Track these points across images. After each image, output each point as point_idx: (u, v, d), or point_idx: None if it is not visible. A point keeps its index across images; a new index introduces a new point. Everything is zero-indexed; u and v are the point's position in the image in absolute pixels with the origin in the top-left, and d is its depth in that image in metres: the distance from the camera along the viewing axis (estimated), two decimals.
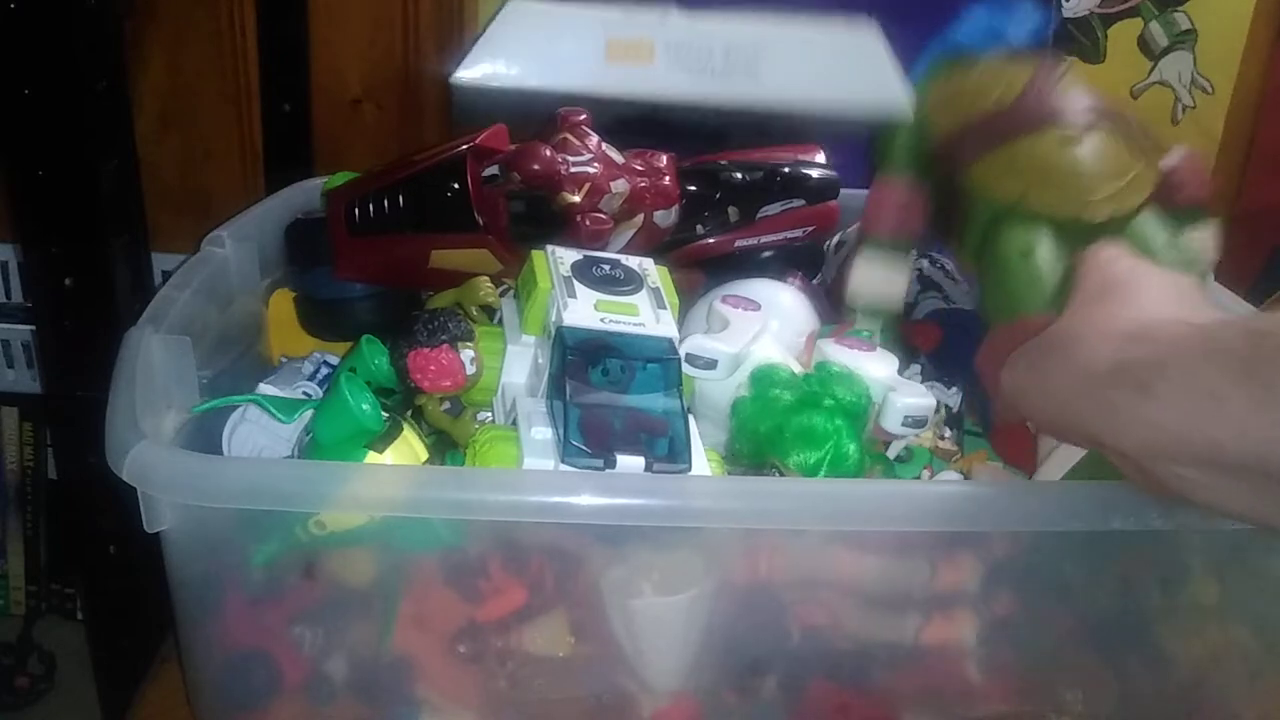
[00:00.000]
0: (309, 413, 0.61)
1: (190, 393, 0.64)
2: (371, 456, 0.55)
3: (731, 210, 0.79)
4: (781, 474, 0.60)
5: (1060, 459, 0.59)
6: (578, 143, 0.73)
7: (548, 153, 0.71)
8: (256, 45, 1.08)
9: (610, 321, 0.59)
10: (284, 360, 0.75)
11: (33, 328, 1.12)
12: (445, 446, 0.64)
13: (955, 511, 0.56)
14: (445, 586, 0.58)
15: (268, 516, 0.55)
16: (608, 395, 0.56)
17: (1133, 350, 0.48)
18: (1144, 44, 1.08)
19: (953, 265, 0.80)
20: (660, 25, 0.80)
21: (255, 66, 1.09)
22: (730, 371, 0.64)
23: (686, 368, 0.62)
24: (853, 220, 0.86)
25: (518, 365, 0.64)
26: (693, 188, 0.77)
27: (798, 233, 0.79)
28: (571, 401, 0.55)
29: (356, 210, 0.74)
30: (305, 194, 0.85)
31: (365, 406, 0.56)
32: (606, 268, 0.64)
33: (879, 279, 0.72)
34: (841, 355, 0.66)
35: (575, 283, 0.62)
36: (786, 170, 0.79)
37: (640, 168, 0.74)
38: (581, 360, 0.57)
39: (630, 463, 0.54)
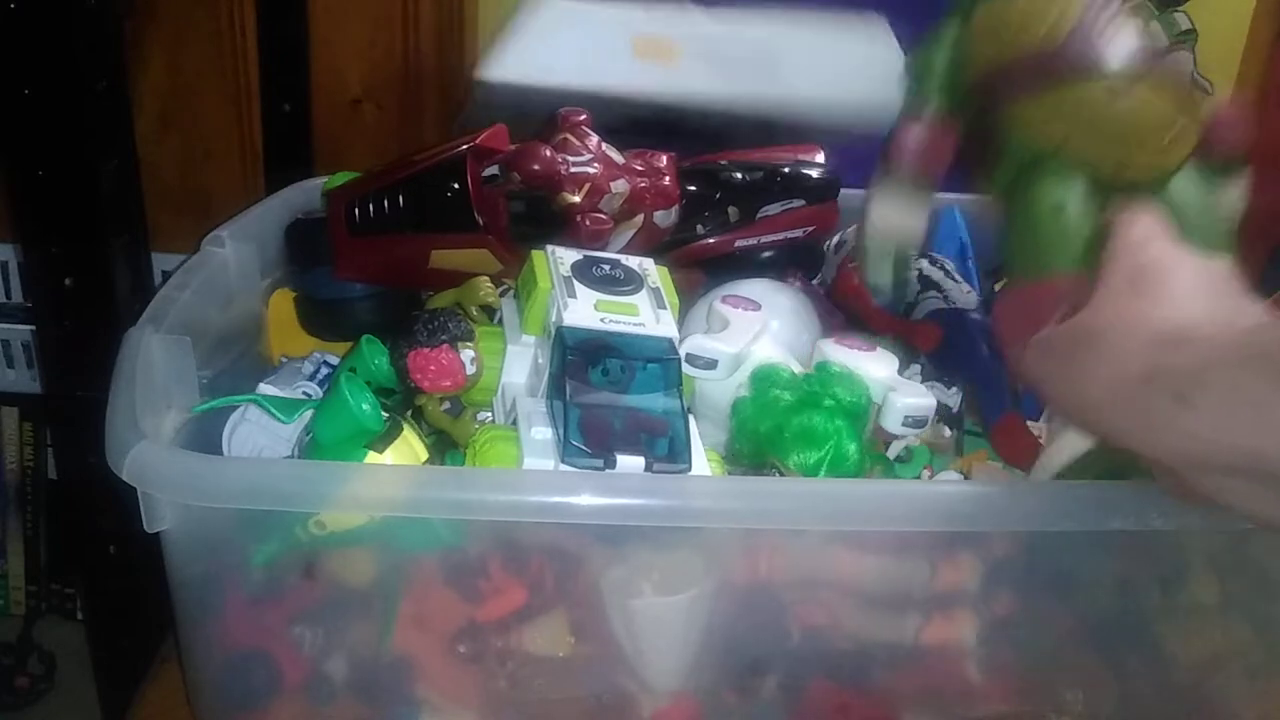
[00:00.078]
0: (309, 413, 0.61)
1: (190, 393, 0.64)
2: (371, 456, 0.55)
3: (731, 210, 0.79)
4: (781, 474, 0.60)
5: (1065, 446, 0.58)
6: (578, 143, 0.73)
7: (548, 153, 0.71)
8: (256, 45, 1.08)
9: (610, 321, 0.59)
10: (284, 360, 0.75)
11: (33, 328, 1.12)
12: (445, 446, 0.64)
13: (955, 511, 0.56)
14: (445, 586, 0.58)
15: (268, 516, 0.55)
16: (608, 395, 0.56)
17: (1168, 357, 0.47)
18: None
19: (953, 265, 0.80)
20: (684, 24, 0.80)
21: (255, 66, 1.09)
22: (730, 371, 0.64)
23: (687, 368, 0.62)
24: (853, 220, 0.86)
25: (518, 365, 0.64)
26: (693, 188, 0.77)
27: (798, 233, 0.79)
28: (571, 401, 0.55)
29: (356, 210, 0.74)
30: (305, 194, 0.85)
31: (365, 406, 0.56)
32: (606, 268, 0.64)
33: (897, 216, 0.69)
34: (841, 355, 0.66)
35: (575, 283, 0.62)
36: (786, 170, 0.79)
37: (640, 168, 0.74)
38: (581, 360, 0.57)
39: (630, 463, 0.54)
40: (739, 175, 0.79)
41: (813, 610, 0.60)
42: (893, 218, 0.69)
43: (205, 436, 0.63)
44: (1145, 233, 0.52)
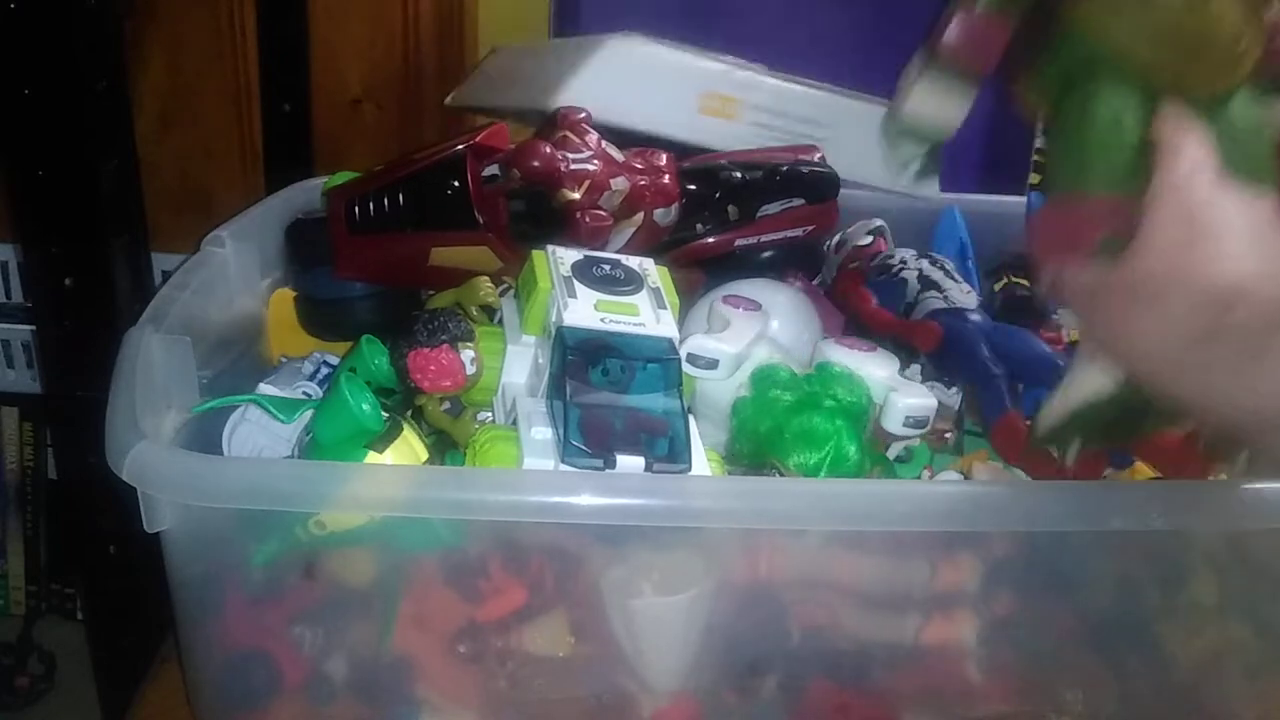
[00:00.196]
0: (309, 413, 0.61)
1: (190, 393, 0.64)
2: (371, 456, 0.55)
3: (731, 209, 0.79)
4: (781, 474, 0.60)
5: (1082, 385, 0.57)
6: (577, 140, 0.73)
7: (547, 150, 0.71)
8: (256, 45, 1.08)
9: (610, 321, 0.59)
10: (284, 360, 0.75)
11: (33, 328, 1.12)
12: (445, 446, 0.64)
13: (955, 511, 0.56)
14: (445, 586, 0.58)
15: (268, 516, 0.55)
16: (608, 395, 0.56)
17: (1230, 316, 0.46)
18: None
19: (953, 265, 0.80)
20: (750, 85, 0.83)
21: (255, 66, 1.09)
22: (731, 371, 0.64)
23: (688, 368, 0.62)
24: (852, 220, 0.86)
25: (518, 365, 0.64)
26: (693, 186, 0.77)
27: (797, 232, 0.79)
28: (571, 401, 0.55)
29: (356, 209, 0.74)
30: (305, 194, 0.85)
31: (365, 406, 0.56)
32: (607, 268, 0.64)
33: (938, 104, 0.66)
34: (842, 355, 0.66)
35: (575, 283, 0.61)
36: (786, 169, 0.79)
37: (640, 166, 0.74)
38: (581, 360, 0.57)
39: (630, 463, 0.54)
40: (739, 174, 0.78)
41: (813, 610, 0.60)
42: (930, 105, 0.66)
43: (205, 436, 0.63)
44: (1192, 166, 0.50)
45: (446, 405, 0.65)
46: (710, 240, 0.79)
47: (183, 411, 0.62)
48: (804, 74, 0.86)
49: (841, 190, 0.80)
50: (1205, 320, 0.47)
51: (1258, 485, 0.58)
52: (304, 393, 0.69)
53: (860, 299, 0.78)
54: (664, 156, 0.76)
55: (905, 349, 0.72)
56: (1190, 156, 0.50)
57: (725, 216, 0.79)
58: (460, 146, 0.74)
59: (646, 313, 0.61)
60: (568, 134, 0.73)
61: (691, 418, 0.58)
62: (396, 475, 0.54)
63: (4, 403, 1.23)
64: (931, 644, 0.60)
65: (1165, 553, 0.61)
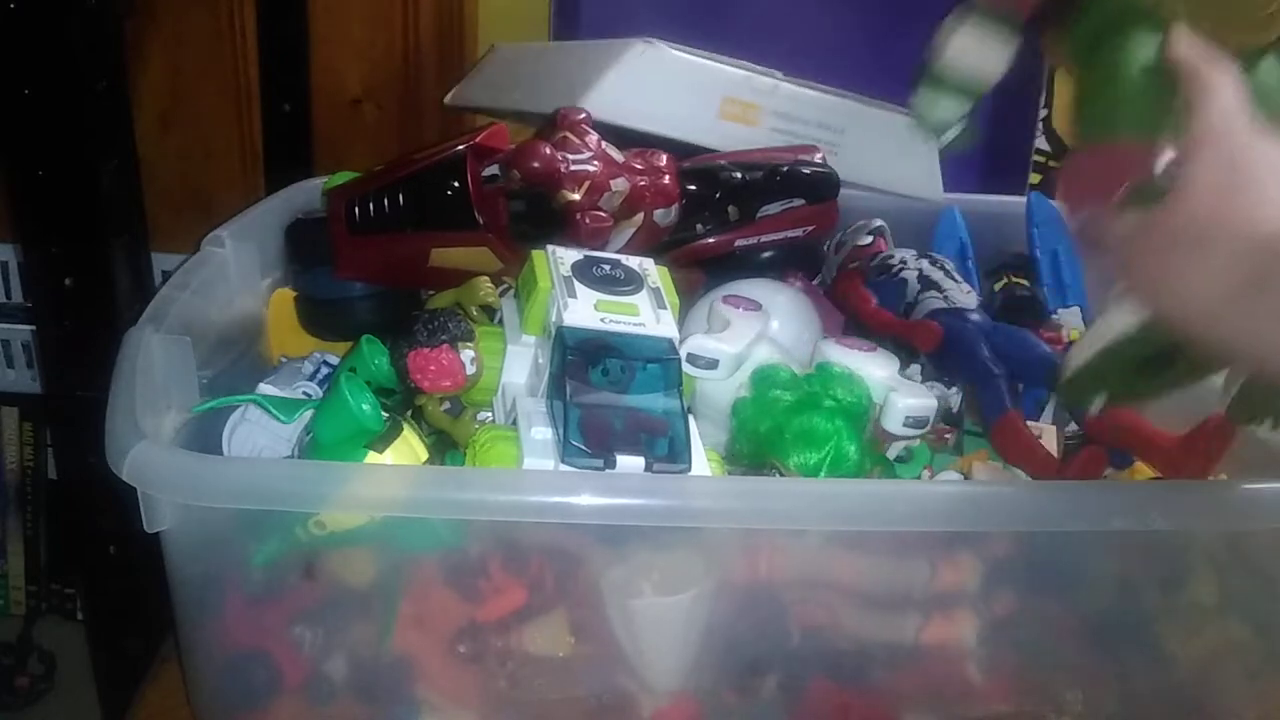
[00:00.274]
0: (309, 413, 0.61)
1: (190, 393, 0.64)
2: (371, 456, 0.55)
3: (731, 209, 0.79)
4: (781, 474, 0.60)
5: (1104, 330, 0.56)
6: (577, 141, 0.73)
7: (548, 150, 0.71)
8: (256, 45, 1.08)
9: (610, 321, 0.59)
10: (284, 360, 0.75)
11: (33, 328, 1.12)
12: (445, 446, 0.64)
13: (955, 511, 0.56)
14: (445, 586, 0.58)
15: (268, 516, 0.55)
16: (608, 395, 0.56)
17: (1275, 263, 0.45)
18: None
19: (953, 265, 0.80)
20: (770, 91, 0.84)
21: (255, 66, 1.09)
22: (731, 371, 0.64)
23: (688, 368, 0.62)
24: (852, 220, 0.86)
25: (518, 365, 0.64)
26: (693, 187, 0.77)
27: (798, 232, 0.79)
28: (571, 401, 0.55)
29: (356, 209, 0.74)
30: (305, 194, 0.85)
31: (365, 406, 0.56)
32: (607, 268, 0.64)
33: (978, 51, 0.66)
34: (842, 355, 0.66)
35: (575, 283, 0.61)
36: (786, 169, 0.79)
37: (640, 166, 0.74)
38: (581, 360, 0.57)
39: (630, 463, 0.54)
40: (739, 175, 0.78)
41: (813, 610, 0.60)
42: (971, 54, 0.66)
43: (205, 436, 0.63)
44: (1229, 107, 0.50)
45: (446, 405, 0.65)
46: (710, 240, 0.79)
47: (183, 411, 0.62)
48: (803, 76, 0.87)
49: (841, 190, 0.80)
50: (1249, 268, 0.46)
51: (1258, 485, 0.58)
52: (304, 393, 0.69)
53: (860, 299, 0.78)
54: (664, 157, 0.76)
55: (905, 349, 0.72)
56: (1227, 97, 0.49)
57: (725, 217, 0.79)
58: (460, 146, 0.74)
59: (646, 313, 0.61)
60: (568, 135, 0.73)
61: (691, 418, 0.58)
62: (396, 475, 0.54)
63: (4, 403, 1.22)
64: (931, 644, 0.60)
65: (1165, 553, 0.61)
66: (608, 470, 0.53)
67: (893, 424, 0.64)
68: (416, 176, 0.74)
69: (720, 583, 0.59)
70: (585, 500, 0.52)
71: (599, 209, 0.71)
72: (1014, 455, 0.65)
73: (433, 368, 0.61)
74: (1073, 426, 0.73)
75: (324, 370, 0.71)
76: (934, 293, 0.76)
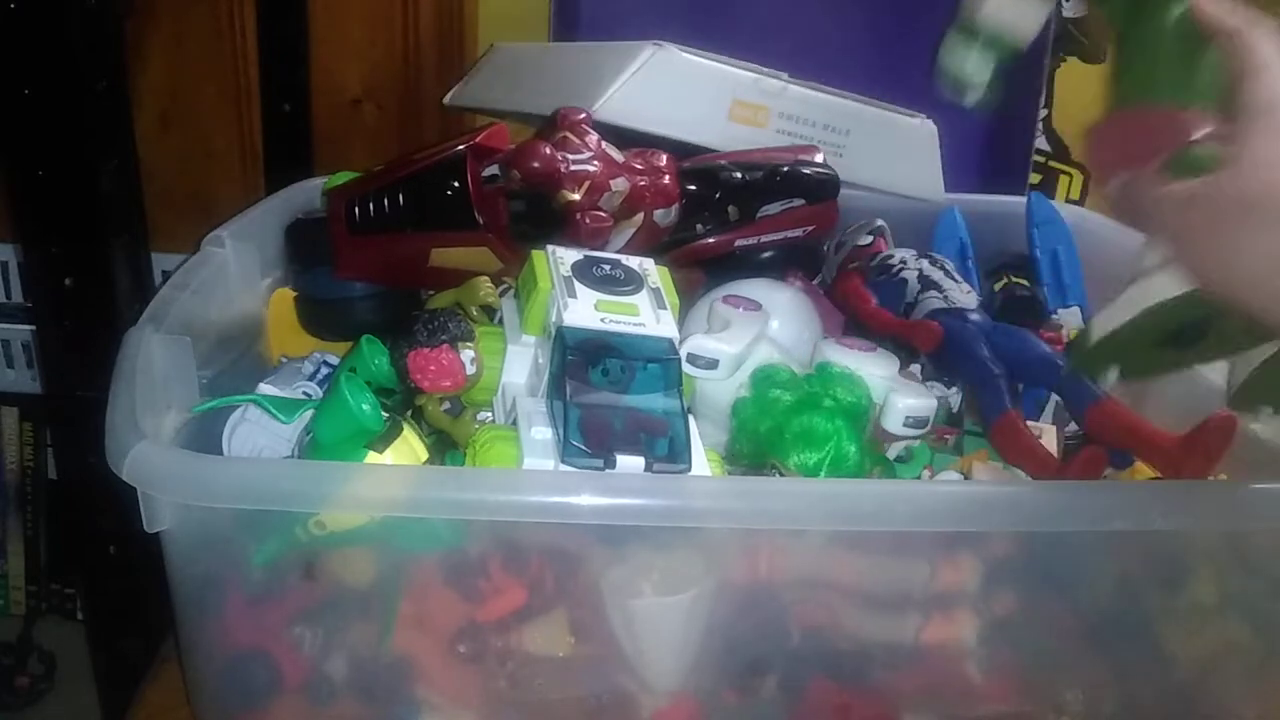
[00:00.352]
0: (309, 413, 0.61)
1: (190, 393, 0.64)
2: (371, 456, 0.55)
3: (731, 209, 0.79)
4: (781, 474, 0.60)
5: (1134, 300, 0.55)
6: (577, 141, 0.73)
7: (548, 150, 0.71)
8: (256, 45, 1.08)
9: (610, 321, 0.59)
10: (284, 360, 0.75)
11: (33, 328, 1.12)
12: (445, 446, 0.64)
13: (955, 511, 0.56)
14: (445, 586, 0.58)
15: (268, 516, 0.55)
16: (608, 395, 0.56)
17: None
18: None
19: (953, 265, 0.80)
20: (779, 94, 0.84)
21: (255, 66, 1.09)
22: (732, 371, 0.64)
23: (688, 368, 0.62)
24: (852, 220, 0.86)
25: (518, 365, 0.64)
26: (693, 187, 0.77)
27: (797, 232, 0.79)
28: (571, 401, 0.55)
29: (356, 209, 0.74)
30: (305, 194, 0.85)
31: (365, 406, 0.56)
32: (607, 268, 0.64)
33: (1015, 7, 0.65)
34: (842, 355, 0.66)
35: (575, 283, 0.61)
36: (786, 169, 0.79)
37: (640, 166, 0.74)
38: (581, 360, 0.57)
39: (630, 463, 0.54)
40: (739, 175, 0.78)
41: (813, 610, 0.60)
42: (1009, 9, 0.65)
43: (205, 436, 0.63)
44: (1275, 78, 0.49)
45: (446, 405, 0.65)
46: (710, 240, 0.79)
47: (183, 411, 0.62)
48: (802, 78, 0.87)
49: (842, 190, 0.80)
50: None
51: (1258, 485, 0.58)
52: (304, 393, 0.69)
53: (860, 299, 0.79)
54: (664, 157, 0.76)
55: (905, 349, 0.72)
56: (1273, 70, 0.48)
57: (725, 217, 0.79)
58: (460, 147, 0.74)
59: (646, 313, 0.61)
60: (568, 135, 0.73)
61: (691, 418, 0.58)
62: (396, 475, 0.54)
63: (4, 403, 1.22)
64: (931, 644, 0.60)
65: (1165, 553, 0.61)
66: (608, 470, 0.53)
67: (893, 424, 0.64)
68: (416, 176, 0.74)
69: (720, 583, 0.59)
70: (585, 500, 0.52)
71: (599, 209, 0.71)
72: (1014, 455, 0.65)
73: (433, 368, 0.61)
74: (1073, 426, 0.73)
75: (324, 370, 0.71)
76: (934, 293, 0.76)
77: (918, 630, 0.60)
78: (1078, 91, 1.09)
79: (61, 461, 1.13)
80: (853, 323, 0.78)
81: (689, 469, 0.55)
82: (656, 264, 0.66)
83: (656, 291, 0.63)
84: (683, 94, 0.82)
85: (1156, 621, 0.63)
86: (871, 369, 0.65)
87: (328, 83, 1.10)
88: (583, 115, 0.75)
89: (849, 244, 0.85)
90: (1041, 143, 1.11)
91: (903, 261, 0.80)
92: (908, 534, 0.58)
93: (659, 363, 0.57)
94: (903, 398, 0.64)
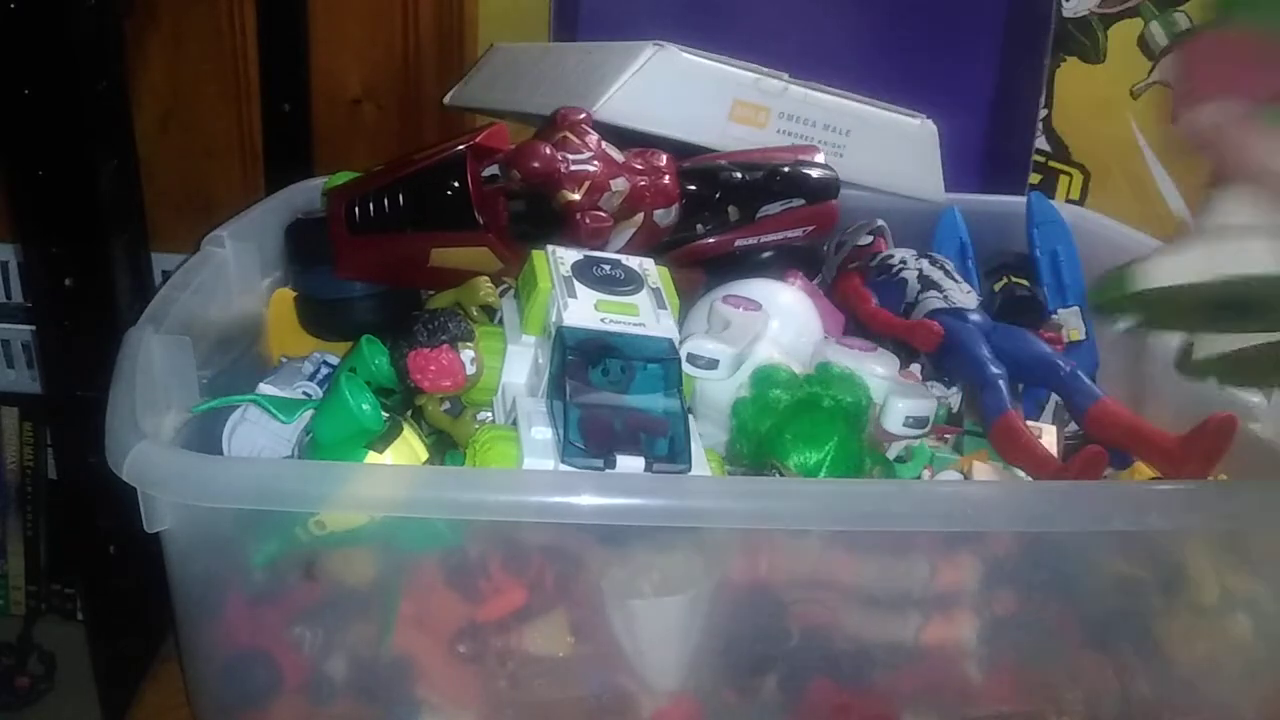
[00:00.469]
0: (309, 413, 0.61)
1: (190, 393, 0.64)
2: (371, 456, 0.55)
3: (731, 210, 0.79)
4: (781, 474, 0.60)
5: (1169, 267, 0.52)
6: (577, 141, 0.73)
7: (547, 151, 0.71)
8: (256, 45, 1.08)
9: (610, 321, 0.59)
10: (284, 360, 0.75)
11: (33, 328, 1.12)
12: (445, 446, 0.64)
13: (955, 511, 0.56)
14: (445, 586, 0.58)
15: (268, 516, 0.55)
16: (608, 395, 0.56)
17: None
18: (1144, 44, 1.08)
19: (953, 265, 0.80)
20: (780, 94, 0.85)
21: (255, 66, 1.09)
22: (732, 371, 0.64)
23: (688, 368, 0.62)
24: (852, 220, 0.86)
25: (518, 365, 0.64)
26: (693, 187, 0.77)
27: (797, 232, 0.79)
28: (571, 401, 0.55)
29: (356, 209, 0.74)
30: (305, 194, 0.85)
31: (365, 406, 0.56)
32: (607, 268, 0.64)
33: None
34: (842, 355, 0.66)
35: (575, 283, 0.62)
36: (786, 170, 0.79)
37: (640, 166, 0.74)
38: (581, 360, 0.57)
39: (630, 463, 0.54)
40: (739, 175, 0.79)
41: (813, 610, 0.60)
42: None
43: (205, 436, 0.63)
44: None
45: (446, 405, 0.65)
46: (710, 240, 0.79)
47: (183, 411, 0.62)
48: (802, 78, 0.87)
49: (841, 190, 0.80)
50: None
51: (1258, 485, 0.58)
52: (304, 393, 0.69)
53: (860, 299, 0.79)
54: (664, 157, 0.76)
55: (905, 349, 0.72)
56: None
57: (725, 217, 0.79)
58: (460, 147, 0.74)
59: (646, 313, 0.61)
60: (568, 135, 0.73)
61: (691, 418, 0.58)
62: (396, 475, 0.54)
63: (4, 403, 1.22)
64: (931, 644, 0.60)
65: (1165, 553, 0.61)
66: (608, 470, 0.53)
67: (893, 424, 0.64)
68: (416, 176, 0.74)
69: (720, 583, 0.59)
70: (585, 500, 0.52)
71: (599, 209, 0.71)
72: (1014, 455, 0.65)
73: (433, 368, 0.61)
74: (1073, 426, 0.73)
75: (324, 370, 0.71)
76: (934, 293, 0.76)
77: (918, 630, 0.60)
78: (1078, 91, 1.10)
79: (61, 461, 1.13)
80: (853, 323, 0.78)
81: (689, 469, 0.55)
82: (656, 264, 0.66)
83: (656, 291, 0.63)
84: (683, 94, 0.82)
85: (1156, 621, 0.63)
86: (871, 369, 0.65)
87: (328, 83, 1.10)
88: (583, 115, 0.75)
89: (849, 244, 0.85)
90: (1041, 143, 1.11)
91: (903, 261, 0.80)
92: (908, 534, 0.58)
93: (659, 363, 0.57)
94: (903, 398, 0.64)
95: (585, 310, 0.59)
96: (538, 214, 0.72)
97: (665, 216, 0.75)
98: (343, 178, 0.79)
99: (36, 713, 1.23)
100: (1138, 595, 0.62)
